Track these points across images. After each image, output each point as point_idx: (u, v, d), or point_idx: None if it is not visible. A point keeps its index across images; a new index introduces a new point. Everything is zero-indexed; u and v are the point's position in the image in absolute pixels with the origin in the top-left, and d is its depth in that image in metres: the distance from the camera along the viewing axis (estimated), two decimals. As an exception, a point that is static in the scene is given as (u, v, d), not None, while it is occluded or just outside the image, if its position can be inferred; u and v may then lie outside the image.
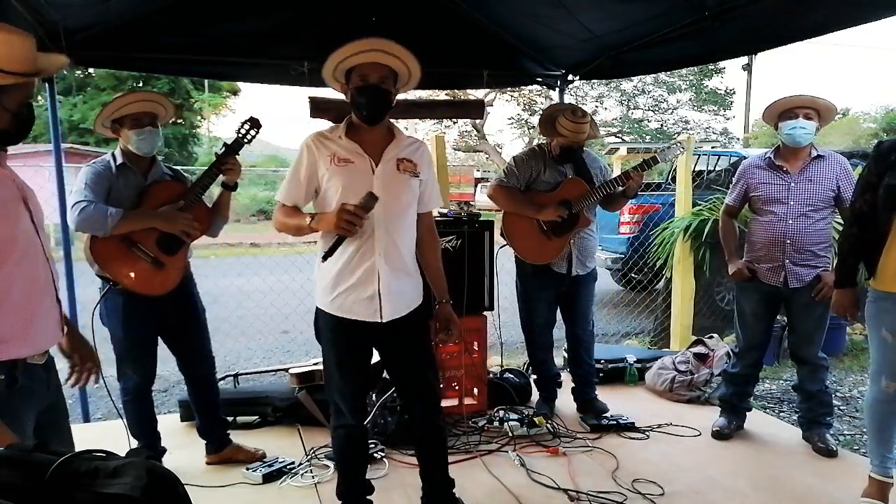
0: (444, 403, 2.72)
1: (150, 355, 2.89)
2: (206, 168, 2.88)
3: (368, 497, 2.54)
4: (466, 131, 22.92)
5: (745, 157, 4.15)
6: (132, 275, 2.71)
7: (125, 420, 2.93)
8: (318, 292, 2.32)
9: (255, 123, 2.87)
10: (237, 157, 2.87)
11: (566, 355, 4.38)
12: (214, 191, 3.02)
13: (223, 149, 2.84)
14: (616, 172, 3.64)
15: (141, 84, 20.84)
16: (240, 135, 2.86)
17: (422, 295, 2.42)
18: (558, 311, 3.73)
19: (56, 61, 1.68)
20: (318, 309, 2.35)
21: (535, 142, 20.18)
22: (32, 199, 1.68)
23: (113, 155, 2.80)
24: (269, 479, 2.94)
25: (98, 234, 2.63)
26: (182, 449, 3.22)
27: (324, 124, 3.17)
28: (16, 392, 1.57)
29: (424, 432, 2.50)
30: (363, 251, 2.22)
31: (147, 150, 2.80)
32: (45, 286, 1.66)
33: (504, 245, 3.62)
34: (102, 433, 3.33)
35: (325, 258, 2.17)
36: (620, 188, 3.46)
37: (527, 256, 3.55)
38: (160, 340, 2.94)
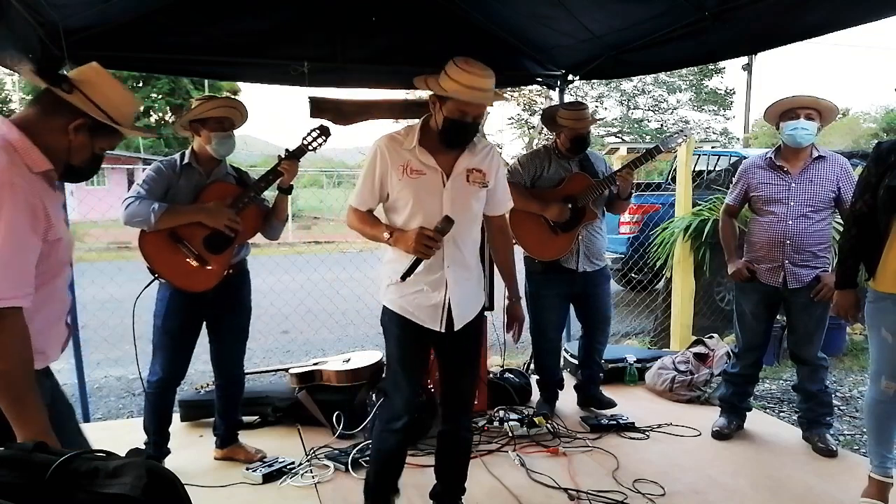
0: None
1: (181, 353, 2.91)
2: (266, 171, 2.91)
3: (394, 497, 2.54)
4: (466, 131, 22.91)
5: (745, 157, 4.15)
6: (174, 270, 2.76)
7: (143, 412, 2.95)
8: (385, 291, 2.35)
9: (324, 131, 2.91)
10: (298, 162, 2.90)
11: (566, 355, 4.39)
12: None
13: (286, 153, 2.88)
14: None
15: (141, 84, 20.84)
16: (305, 142, 2.90)
17: (483, 297, 2.45)
18: (569, 316, 3.74)
19: (140, 133, 1.86)
20: (383, 307, 2.36)
21: (535, 142, 20.19)
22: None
23: (182, 154, 2.88)
24: (269, 479, 2.94)
25: (143, 227, 2.69)
26: (183, 449, 3.22)
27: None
28: None
29: (448, 435, 2.50)
30: (432, 263, 2.24)
31: (224, 153, 2.88)
32: (65, 308, 1.72)
33: (514, 243, 3.63)
34: (102, 433, 3.32)
35: (403, 278, 2.19)
36: (614, 189, 3.49)
37: (535, 253, 3.56)
38: (201, 339, 2.99)
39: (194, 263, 2.77)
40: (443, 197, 2.23)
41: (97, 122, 1.60)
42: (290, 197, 3.01)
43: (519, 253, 3.66)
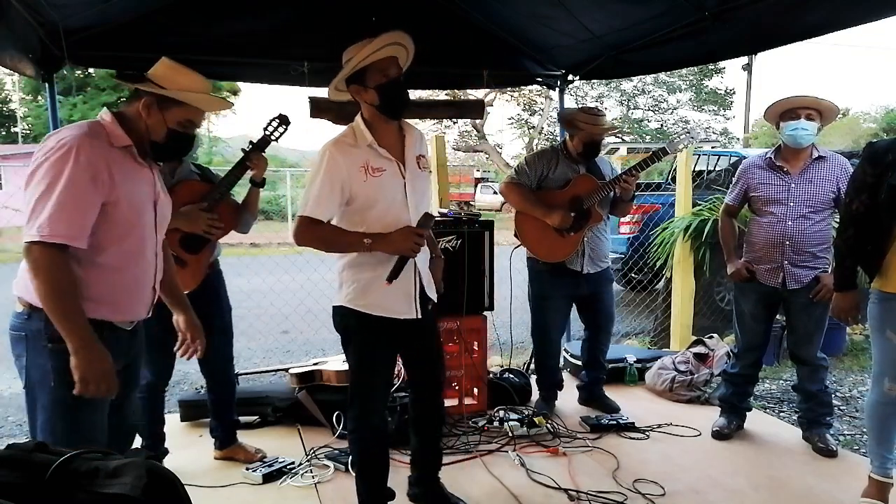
0: (445, 403, 2.78)
1: (166, 355, 2.84)
2: (233, 166, 2.87)
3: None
4: (466, 131, 22.93)
5: (745, 157, 4.15)
6: None
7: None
8: (349, 293, 2.28)
9: (283, 120, 2.86)
10: (264, 153, 2.86)
11: (566, 355, 4.39)
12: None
13: (250, 145, 2.84)
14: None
15: (141, 84, 20.75)
16: (267, 132, 2.86)
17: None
18: (571, 318, 3.74)
19: (215, 104, 2.18)
20: (344, 309, 2.30)
21: (535, 142, 20.19)
22: (162, 205, 2.06)
23: None
24: (269, 479, 2.94)
25: None
26: (183, 449, 3.22)
27: (323, 124, 3.15)
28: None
29: (424, 409, 2.55)
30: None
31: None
32: (148, 275, 2.00)
33: (518, 245, 3.63)
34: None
35: (391, 280, 2.16)
36: (617, 191, 3.48)
37: (541, 255, 3.56)
38: None
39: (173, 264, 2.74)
40: (406, 189, 2.24)
41: (164, 97, 1.91)
42: (261, 190, 2.98)
43: (508, 255, 3.68)
